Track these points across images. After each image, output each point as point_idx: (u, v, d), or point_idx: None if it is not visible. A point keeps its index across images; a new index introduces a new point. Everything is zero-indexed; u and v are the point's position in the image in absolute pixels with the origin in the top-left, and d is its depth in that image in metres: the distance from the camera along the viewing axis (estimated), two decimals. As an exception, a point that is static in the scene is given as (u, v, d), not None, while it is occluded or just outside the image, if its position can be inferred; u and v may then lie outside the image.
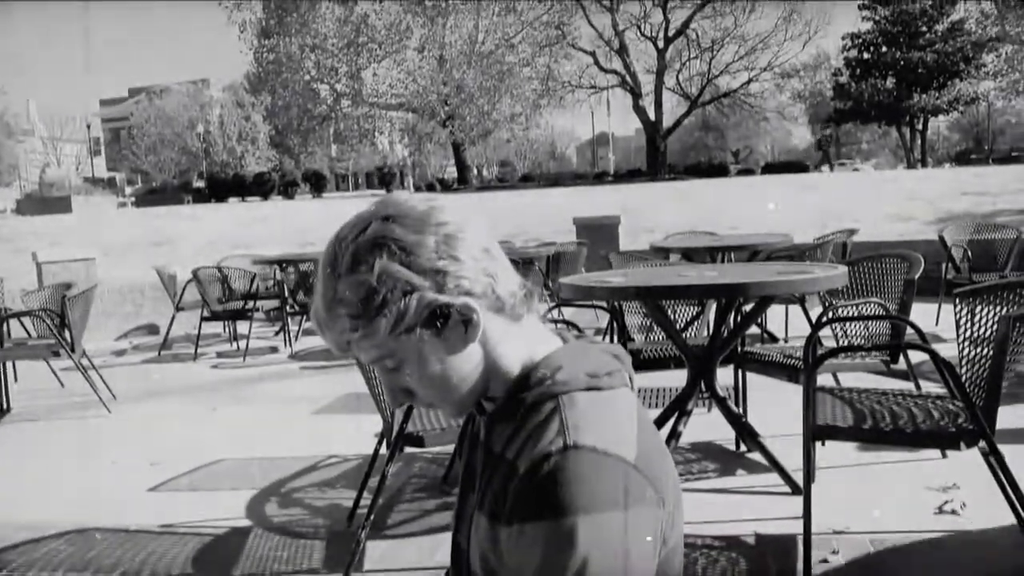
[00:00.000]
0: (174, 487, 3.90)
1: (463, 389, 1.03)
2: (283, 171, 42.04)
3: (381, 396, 3.01)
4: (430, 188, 43.10)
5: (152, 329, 8.92)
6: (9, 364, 5.84)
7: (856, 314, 3.81)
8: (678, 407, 3.47)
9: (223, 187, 40.23)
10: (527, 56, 44.25)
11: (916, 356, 3.81)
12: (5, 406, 5.57)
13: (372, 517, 2.89)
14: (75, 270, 8.28)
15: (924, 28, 43.97)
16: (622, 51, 45.46)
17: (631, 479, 0.93)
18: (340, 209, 24.29)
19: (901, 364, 3.63)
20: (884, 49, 44.89)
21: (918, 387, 3.48)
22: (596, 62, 45.86)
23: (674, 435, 3.39)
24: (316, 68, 44.07)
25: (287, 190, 39.55)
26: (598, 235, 9.35)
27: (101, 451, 4.65)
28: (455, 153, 45.93)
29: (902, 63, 43.77)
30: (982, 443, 2.46)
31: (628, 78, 45.83)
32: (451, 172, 50.00)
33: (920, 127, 47.41)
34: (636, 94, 45.75)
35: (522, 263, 6.48)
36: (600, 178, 45.37)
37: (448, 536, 1.16)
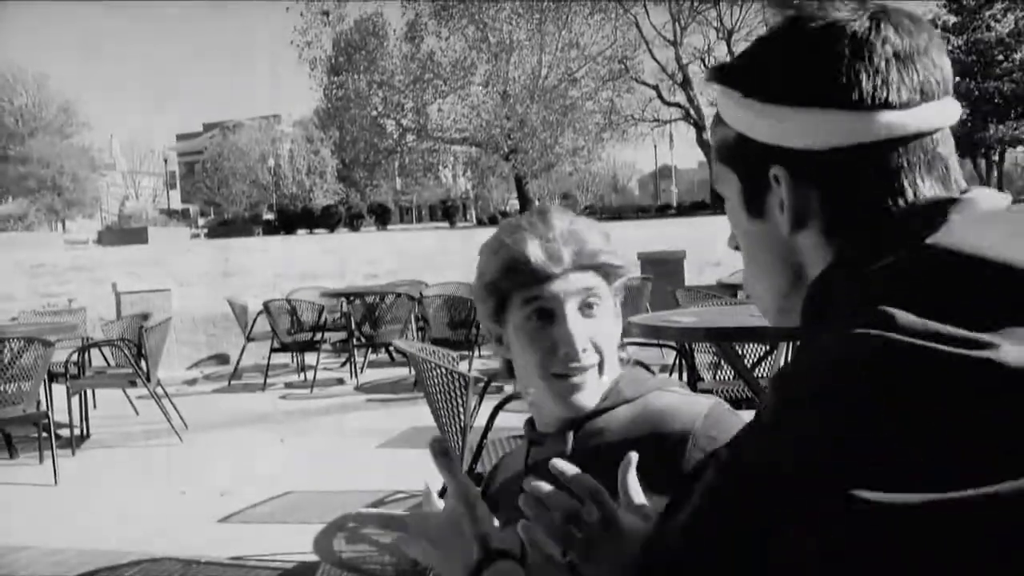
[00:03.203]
0: (243, 518, 3.95)
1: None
2: (349, 204, 42.99)
3: (450, 433, 3.01)
4: (492, 221, 43.46)
5: (223, 359, 9.13)
6: (89, 391, 6.04)
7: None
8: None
9: (292, 219, 41.34)
10: (590, 90, 44.50)
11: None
12: (85, 432, 5.75)
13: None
14: (152, 301, 8.55)
15: (1001, 57, 42.79)
16: (686, 84, 45.37)
17: None
18: (404, 241, 24.70)
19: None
20: (957, 80, 43.41)
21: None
22: (659, 95, 45.86)
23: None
24: (383, 104, 45.08)
25: (353, 222, 40.40)
26: (663, 270, 9.25)
27: (173, 479, 4.75)
28: (517, 186, 46.25)
29: (976, 93, 42.60)
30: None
31: (692, 111, 45.66)
32: (513, 205, 50.34)
33: (996, 159, 45.98)
34: (700, 127, 45.49)
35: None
36: (663, 211, 45.13)
37: None
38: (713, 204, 42.93)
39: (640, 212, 46.12)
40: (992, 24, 43.23)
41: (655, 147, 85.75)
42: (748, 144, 0.70)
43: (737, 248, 0.79)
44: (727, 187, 0.75)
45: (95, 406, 6.26)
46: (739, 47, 44.99)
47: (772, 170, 0.68)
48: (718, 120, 0.75)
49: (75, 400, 5.60)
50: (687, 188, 72.34)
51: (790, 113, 0.66)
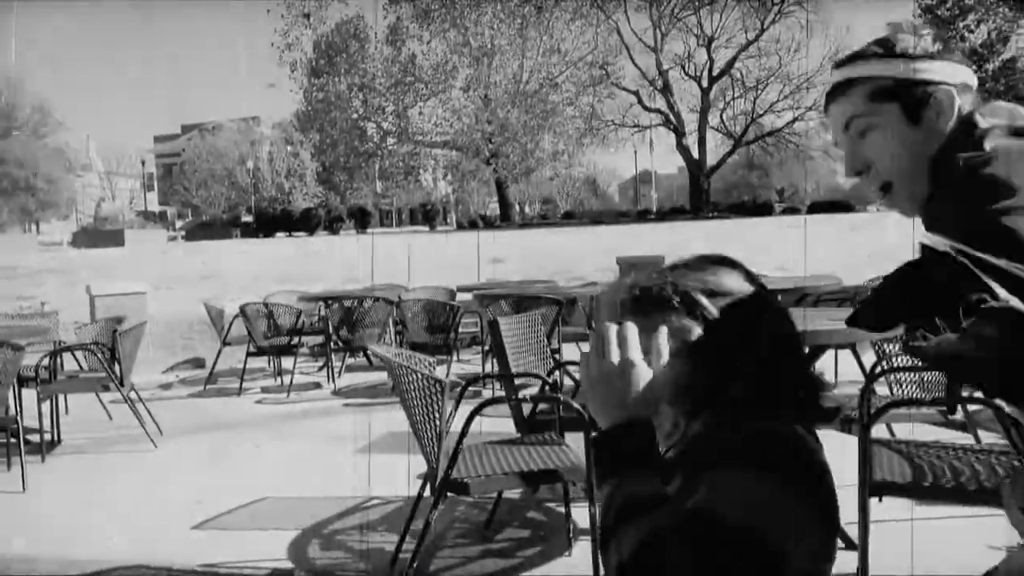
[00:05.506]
0: (217, 525, 3.91)
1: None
2: (329, 207, 42.75)
3: (426, 439, 2.99)
4: (472, 225, 43.40)
5: (198, 363, 9.04)
6: (61, 396, 5.95)
7: (914, 364, 3.69)
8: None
9: (271, 222, 41.05)
10: (571, 95, 44.61)
11: (974, 404, 3.68)
12: (55, 438, 5.66)
13: (416, 564, 2.86)
14: (126, 304, 8.46)
15: (975, 67, 43.34)
16: (666, 90, 45.58)
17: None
18: (384, 245, 24.62)
19: (959, 414, 3.52)
20: (933, 88, 44.33)
21: (978, 440, 3.35)
22: (640, 101, 46.01)
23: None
24: (364, 107, 44.97)
25: (332, 225, 40.18)
26: (642, 275, 9.27)
27: (147, 486, 4.69)
28: (498, 190, 46.28)
29: (951, 102, 43.20)
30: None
31: (671, 117, 45.87)
32: (494, 209, 50.30)
33: (971, 166, 46.62)
34: (679, 133, 45.75)
35: (565, 302, 6.44)
36: (643, 216, 45.28)
37: None
38: (692, 209, 43.20)
39: (620, 217, 46.19)
40: (966, 35, 43.83)
41: (635, 152, 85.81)
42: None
43: (858, 174, 1.24)
44: (884, 118, 1.20)
45: (67, 411, 6.17)
46: (719, 53, 45.40)
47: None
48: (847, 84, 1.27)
49: (46, 405, 5.51)
50: (667, 194, 72.57)
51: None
